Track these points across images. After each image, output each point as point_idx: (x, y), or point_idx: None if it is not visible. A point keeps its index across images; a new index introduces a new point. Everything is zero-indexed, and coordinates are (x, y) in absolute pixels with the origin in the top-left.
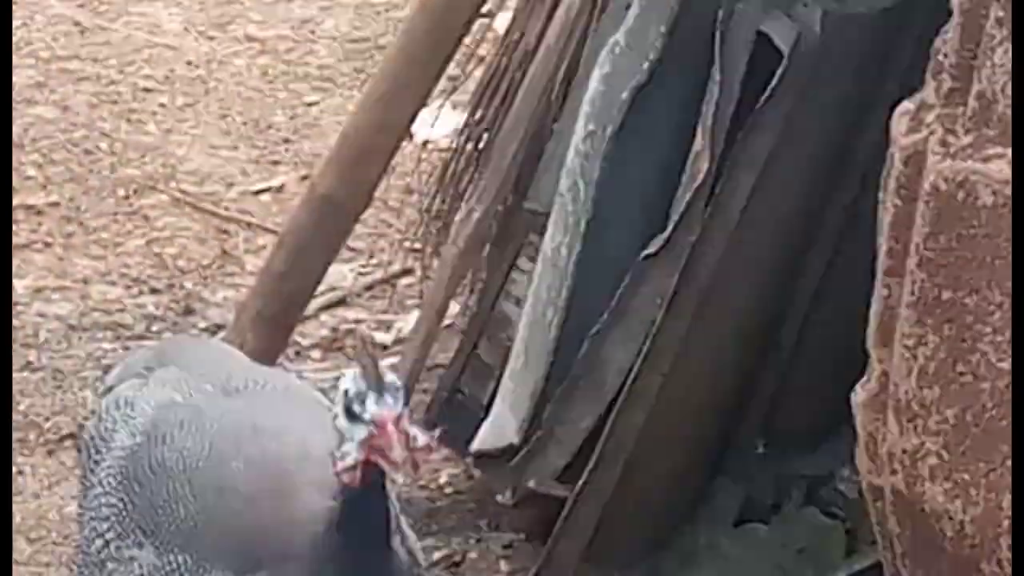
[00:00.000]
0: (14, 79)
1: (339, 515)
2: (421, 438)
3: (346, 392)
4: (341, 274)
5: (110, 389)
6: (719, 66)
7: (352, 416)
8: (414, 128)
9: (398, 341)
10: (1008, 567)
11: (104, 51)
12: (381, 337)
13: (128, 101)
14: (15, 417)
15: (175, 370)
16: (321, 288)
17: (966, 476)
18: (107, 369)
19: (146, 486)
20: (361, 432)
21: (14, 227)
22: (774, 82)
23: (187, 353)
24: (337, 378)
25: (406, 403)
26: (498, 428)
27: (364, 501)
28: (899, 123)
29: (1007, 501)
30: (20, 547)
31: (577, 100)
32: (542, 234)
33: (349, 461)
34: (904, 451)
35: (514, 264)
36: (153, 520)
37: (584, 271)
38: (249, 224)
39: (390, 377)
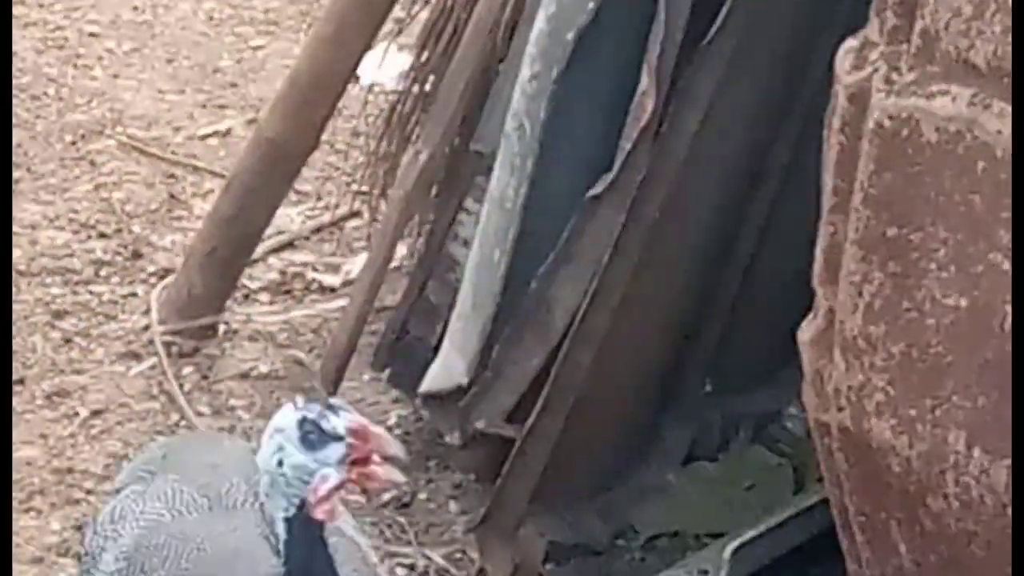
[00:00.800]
0: None
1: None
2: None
3: (303, 419)
4: (289, 217)
5: (118, 491)
6: (664, 4)
7: (314, 443)
8: (360, 71)
9: (346, 283)
10: (954, 502)
11: None
12: (329, 280)
13: (74, 46)
14: None
15: (174, 479)
16: (269, 231)
17: (912, 412)
18: (58, 315)
19: None
20: (336, 451)
21: None
22: (719, 20)
23: (193, 456)
24: (285, 321)
25: None
26: (446, 369)
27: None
28: (843, 61)
29: (952, 436)
30: None
31: (522, 41)
32: (489, 175)
33: (333, 483)
34: (850, 388)
35: (461, 205)
36: None
37: (531, 212)
38: (196, 168)
39: (334, 399)
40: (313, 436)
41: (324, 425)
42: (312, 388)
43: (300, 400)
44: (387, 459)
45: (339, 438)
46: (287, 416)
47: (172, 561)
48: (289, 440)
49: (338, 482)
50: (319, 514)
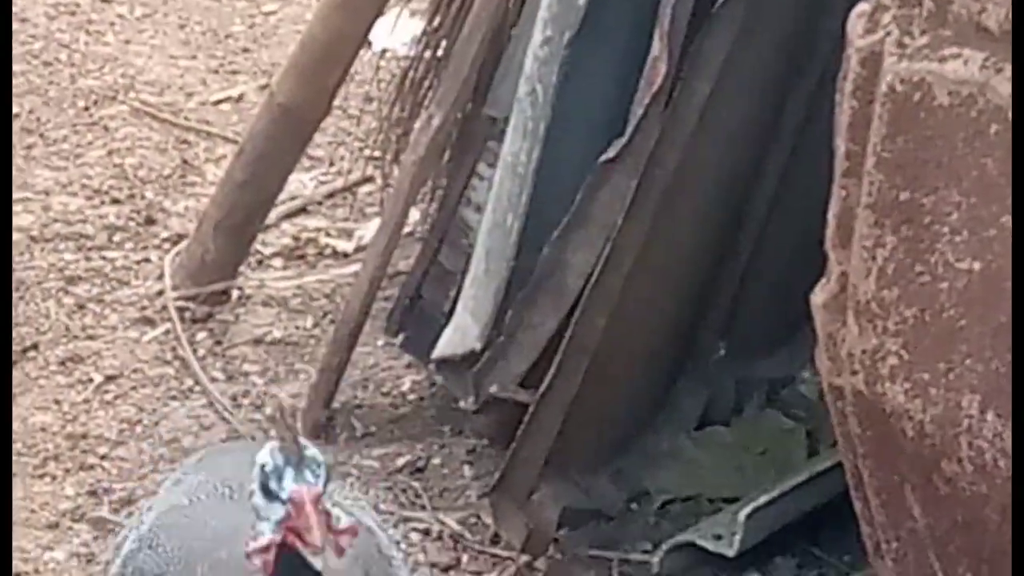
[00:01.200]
0: None
1: None
2: (344, 519)
3: (263, 467)
4: (301, 183)
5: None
6: None
7: (268, 494)
8: (372, 36)
9: (359, 249)
10: (968, 465)
11: None
12: (342, 245)
13: (87, 12)
14: None
15: (203, 475)
16: (282, 197)
17: (926, 376)
18: (72, 280)
19: None
20: (278, 511)
21: None
22: None
23: (227, 457)
24: (298, 287)
25: (327, 480)
26: (460, 334)
27: None
28: (855, 24)
29: (966, 400)
30: None
31: (534, 5)
32: (501, 140)
33: (261, 542)
34: (864, 351)
35: (474, 171)
36: None
37: (544, 176)
38: (209, 134)
39: (311, 451)
40: (268, 486)
41: (271, 484)
42: (290, 438)
43: (275, 445)
44: (310, 543)
45: (283, 500)
46: (261, 455)
47: (178, 537)
48: (254, 480)
49: (267, 543)
50: (255, 562)
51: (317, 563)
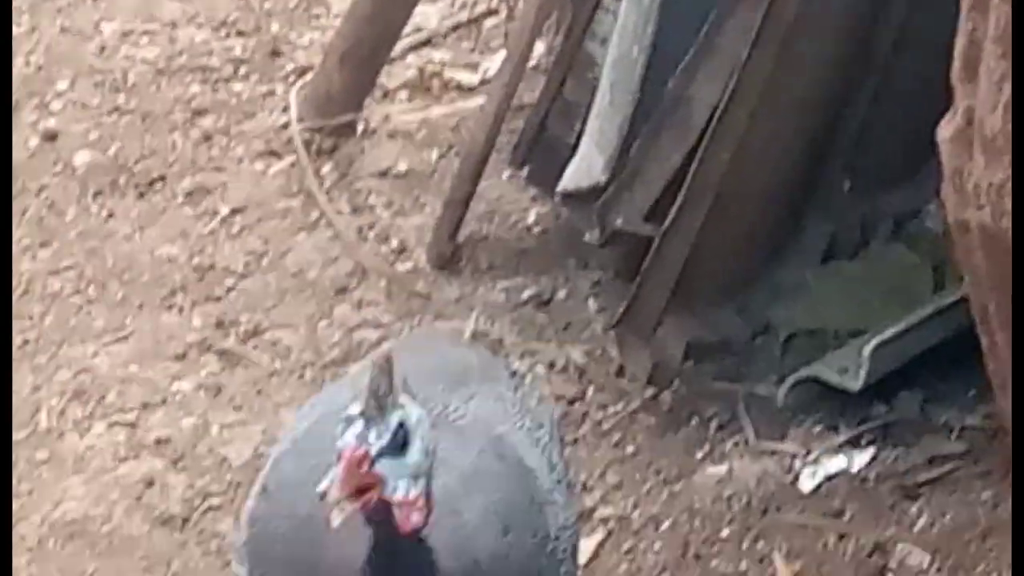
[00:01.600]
0: None
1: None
2: (401, 491)
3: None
4: (426, 15)
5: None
6: None
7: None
8: None
9: (484, 82)
10: None
11: None
12: (467, 78)
13: None
14: (104, 161)
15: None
16: (407, 30)
17: None
18: (198, 113)
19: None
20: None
21: None
22: None
23: (414, 356)
24: (423, 119)
25: (401, 445)
26: (585, 167)
27: (393, 552)
28: None
29: None
30: (113, 288)
31: None
32: None
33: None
34: (990, 185)
35: (599, 3)
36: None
37: (669, 8)
38: None
39: (400, 413)
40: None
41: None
42: (379, 394)
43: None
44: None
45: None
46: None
47: (315, 455)
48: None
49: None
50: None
51: (335, 520)
